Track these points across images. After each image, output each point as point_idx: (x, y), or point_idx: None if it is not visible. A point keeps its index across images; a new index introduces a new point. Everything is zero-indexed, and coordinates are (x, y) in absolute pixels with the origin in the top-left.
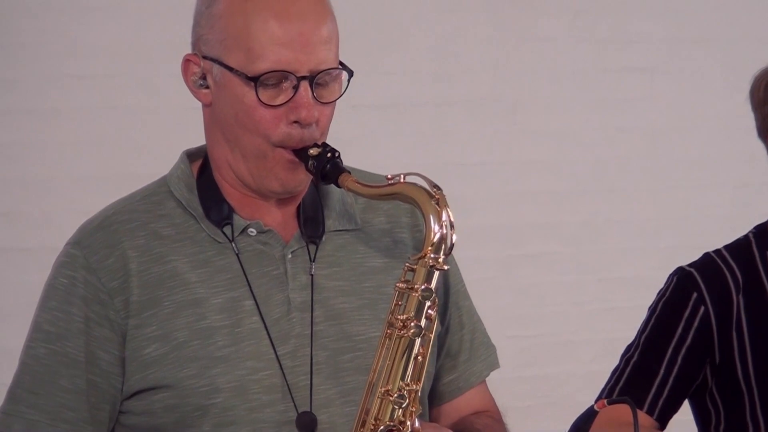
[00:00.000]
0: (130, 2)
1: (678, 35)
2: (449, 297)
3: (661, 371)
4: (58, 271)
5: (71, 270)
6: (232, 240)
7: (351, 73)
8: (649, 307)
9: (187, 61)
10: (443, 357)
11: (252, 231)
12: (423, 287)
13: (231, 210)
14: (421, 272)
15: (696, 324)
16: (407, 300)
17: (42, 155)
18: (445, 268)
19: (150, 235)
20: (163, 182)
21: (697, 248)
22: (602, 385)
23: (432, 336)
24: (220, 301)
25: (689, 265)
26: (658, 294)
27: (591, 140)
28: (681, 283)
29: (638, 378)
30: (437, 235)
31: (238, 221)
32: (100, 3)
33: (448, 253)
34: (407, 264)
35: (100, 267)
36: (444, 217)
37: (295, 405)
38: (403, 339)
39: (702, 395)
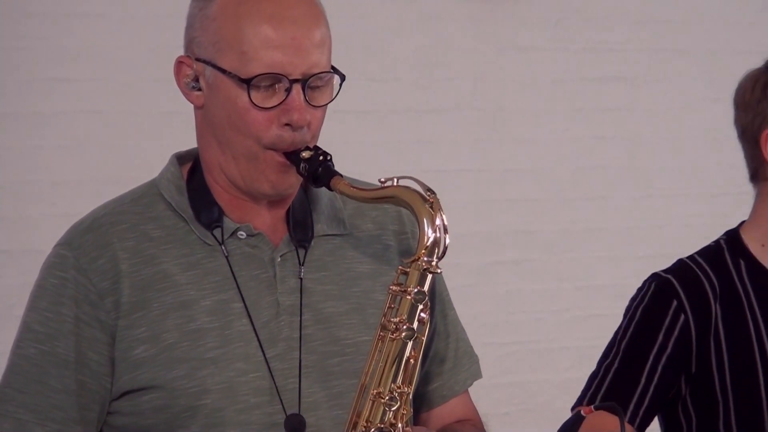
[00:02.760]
0: (114, 7)
1: (657, 45)
2: (435, 305)
3: (643, 380)
4: (48, 271)
5: (61, 271)
6: (222, 243)
7: (343, 77)
8: (626, 313)
9: (179, 63)
10: (428, 363)
11: (242, 234)
12: (416, 290)
13: (221, 212)
14: (415, 275)
15: (676, 333)
16: (400, 303)
17: (23, 158)
18: (439, 271)
19: (140, 237)
20: (153, 185)
21: (676, 257)
22: (579, 393)
23: (424, 339)
24: (209, 303)
25: (665, 272)
26: (634, 300)
27: (570, 148)
28: (660, 289)
29: (620, 386)
30: (431, 239)
31: (228, 224)
32: (84, 7)
33: (442, 256)
34: (400, 267)
35: (90, 268)
36: (438, 221)
37: (283, 407)
38: (395, 341)
39: (674, 405)
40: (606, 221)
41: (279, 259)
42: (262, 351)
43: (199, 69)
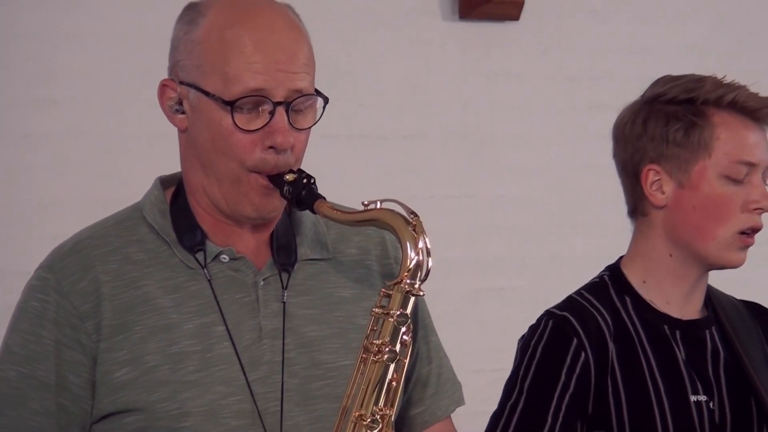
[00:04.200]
0: (101, 29)
1: (646, 73)
2: (417, 329)
3: (549, 419)
4: (30, 294)
5: (43, 293)
6: (204, 266)
7: (326, 100)
8: (522, 352)
9: (163, 86)
10: (411, 388)
11: (224, 257)
12: (398, 313)
13: (204, 236)
14: (397, 298)
15: (578, 371)
16: (382, 325)
17: (8, 179)
18: (421, 293)
19: (122, 260)
20: (136, 208)
21: None
22: None
23: (406, 362)
24: (191, 327)
25: (559, 309)
26: (531, 338)
27: (559, 176)
28: (558, 327)
29: (527, 426)
30: (413, 261)
31: (211, 247)
32: (70, 29)
33: (424, 279)
34: (383, 289)
35: (72, 290)
36: (420, 243)
37: (265, 430)
38: (377, 364)
39: None
40: (594, 249)
41: (262, 283)
42: (244, 374)
43: (183, 92)
